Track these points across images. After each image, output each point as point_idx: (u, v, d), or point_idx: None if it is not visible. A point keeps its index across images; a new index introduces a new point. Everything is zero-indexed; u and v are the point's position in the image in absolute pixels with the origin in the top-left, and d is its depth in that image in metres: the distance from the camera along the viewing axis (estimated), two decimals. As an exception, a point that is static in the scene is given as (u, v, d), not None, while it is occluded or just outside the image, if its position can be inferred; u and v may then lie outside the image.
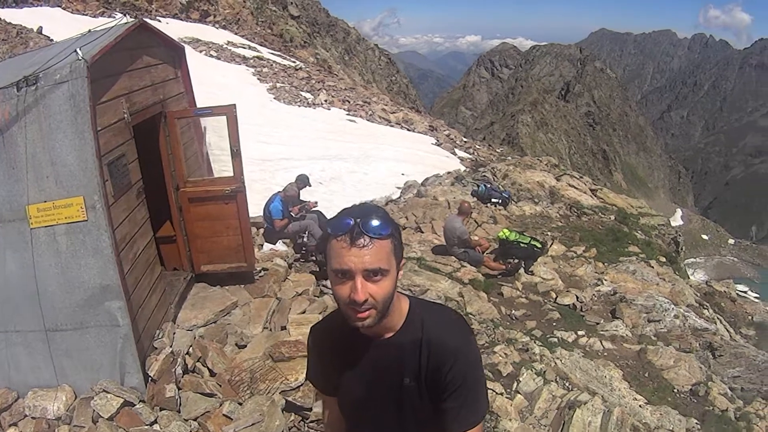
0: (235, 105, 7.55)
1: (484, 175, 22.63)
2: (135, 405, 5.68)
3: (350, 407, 2.51)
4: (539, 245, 13.46)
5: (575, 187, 23.38)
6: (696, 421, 8.91)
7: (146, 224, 6.65)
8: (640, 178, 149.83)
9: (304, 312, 8.14)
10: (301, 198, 12.23)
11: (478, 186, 19.36)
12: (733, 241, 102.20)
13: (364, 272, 2.03)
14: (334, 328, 2.39)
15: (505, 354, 8.92)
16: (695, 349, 11.53)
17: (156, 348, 6.33)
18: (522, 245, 13.06)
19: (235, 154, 7.56)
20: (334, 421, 2.68)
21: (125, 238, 5.85)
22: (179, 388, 6.00)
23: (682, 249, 23.35)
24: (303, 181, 12.57)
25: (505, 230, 13.61)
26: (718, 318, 15.07)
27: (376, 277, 2.05)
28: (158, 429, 5.63)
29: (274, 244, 10.97)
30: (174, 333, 6.74)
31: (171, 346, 6.38)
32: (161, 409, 5.83)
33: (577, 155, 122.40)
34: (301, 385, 6.32)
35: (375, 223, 2.04)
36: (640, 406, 8.89)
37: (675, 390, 9.87)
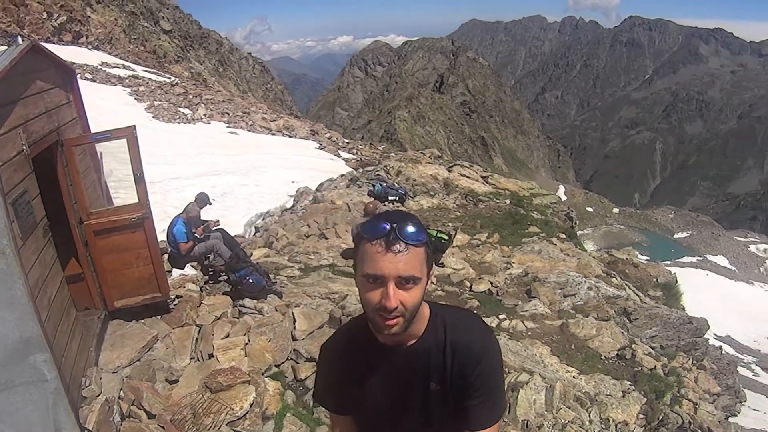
0: (134, 126, 7.15)
1: (378, 174, 22.76)
2: None
3: (375, 419, 2.44)
4: (445, 237, 13.42)
5: (467, 176, 23.86)
6: (629, 382, 9.36)
7: (56, 264, 6.13)
8: (521, 160, 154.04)
9: (227, 336, 7.90)
10: (201, 218, 11.88)
11: (374, 185, 19.45)
12: (618, 210, 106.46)
13: (397, 279, 1.99)
14: (352, 341, 2.36)
15: None
16: (612, 316, 12.01)
17: (86, 397, 5.85)
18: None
19: (139, 179, 7.16)
20: None
21: (38, 283, 5.32)
22: (121, 438, 5.59)
23: (576, 224, 24.18)
24: (203, 200, 12.17)
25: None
26: (626, 284, 15.72)
27: (408, 285, 2.01)
28: (106, 485, 5.20)
29: (183, 268, 10.55)
30: (101, 378, 6.26)
31: (102, 393, 5.95)
32: None
33: (456, 144, 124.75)
34: (247, 412, 6.09)
35: (411, 229, 2.01)
36: (574, 377, 9.16)
37: (603, 357, 10.28)
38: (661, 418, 8.87)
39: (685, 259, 64.53)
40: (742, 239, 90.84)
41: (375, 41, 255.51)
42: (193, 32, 79.13)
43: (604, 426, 8.17)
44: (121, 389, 6.23)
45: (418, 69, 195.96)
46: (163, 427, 5.91)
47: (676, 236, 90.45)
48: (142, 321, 7.75)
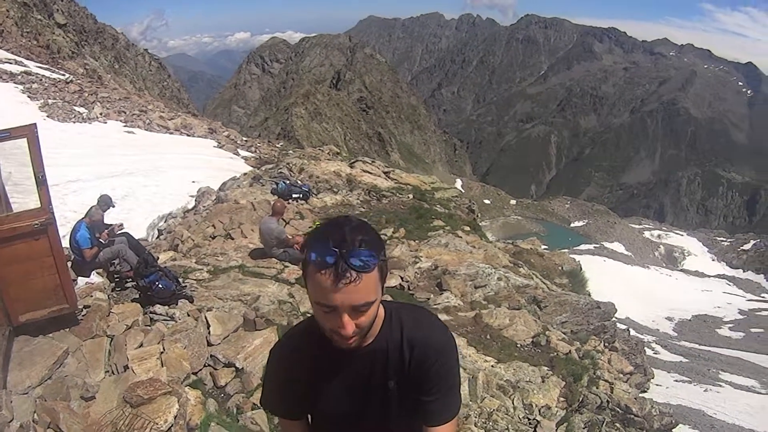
0: (35, 124, 6.71)
1: (281, 172, 22.63)
2: None
3: (333, 421, 2.42)
4: None
5: (369, 172, 23.94)
6: (547, 368, 9.65)
7: None
8: (417, 155, 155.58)
9: (141, 345, 7.62)
10: (105, 221, 11.46)
11: (277, 184, 19.41)
12: (515, 201, 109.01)
13: (351, 308, 1.95)
14: (305, 347, 2.31)
15: None
16: (523, 305, 12.33)
17: None
18: None
19: (41, 181, 6.70)
20: None
21: None
22: (40, 465, 5.24)
23: (478, 216, 24.64)
24: (106, 202, 11.72)
25: (317, 223, 13.74)
26: (533, 273, 16.15)
27: (363, 308, 1.97)
28: None
29: (88, 276, 10.13)
30: (11, 402, 5.83)
31: (14, 419, 5.58)
32: None
33: (353, 141, 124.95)
34: (172, 425, 5.90)
35: (362, 256, 1.90)
36: (492, 366, 9.33)
37: (518, 345, 10.56)
38: (581, 399, 9.20)
39: (583, 247, 66.47)
40: (637, 226, 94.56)
41: (272, 38, 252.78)
42: (89, 26, 76.23)
43: (528, 411, 8.37)
44: (34, 412, 5.87)
45: (315, 66, 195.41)
46: (86, 449, 5.62)
47: (573, 225, 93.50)
48: (50, 335, 7.32)
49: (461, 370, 8.43)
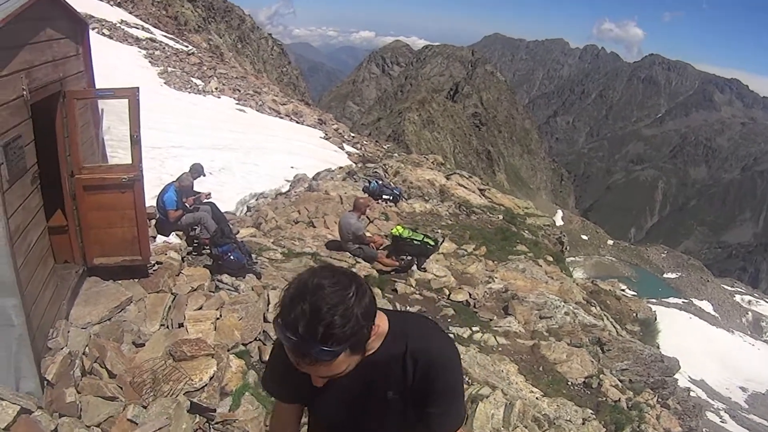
0: (138, 88, 7.10)
1: (376, 172, 22.69)
2: (33, 412, 5.17)
3: (330, 427, 2.49)
4: (432, 243, 13.51)
5: (464, 186, 23.78)
6: (591, 411, 9.35)
7: (40, 213, 6.11)
8: (523, 179, 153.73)
9: (200, 308, 7.86)
10: (194, 189, 11.88)
11: (370, 182, 19.41)
12: (612, 242, 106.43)
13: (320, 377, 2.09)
14: None
15: None
16: (585, 344, 12.00)
17: (50, 348, 5.84)
18: (415, 242, 13.07)
19: (135, 141, 7.12)
20: (282, 428, 2.66)
21: (19, 229, 5.30)
22: (78, 392, 5.59)
23: (566, 249, 24.20)
24: (197, 170, 12.19)
25: (399, 227, 13.55)
26: (605, 315, 15.69)
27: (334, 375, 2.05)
28: (60, 438, 5.18)
29: (167, 236, 10.55)
30: (68, 332, 6.25)
31: (67, 347, 5.94)
32: (61, 416, 5.38)
33: (461, 155, 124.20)
34: (206, 385, 6.11)
35: (320, 353, 1.89)
36: (537, 398, 9.18)
37: (569, 383, 10.30)
38: None
39: (671, 300, 64.65)
40: (729, 288, 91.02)
41: (396, 41, 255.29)
42: (218, 4, 78.63)
43: None
44: (86, 345, 6.23)
45: (435, 74, 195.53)
46: (121, 388, 5.92)
47: (665, 276, 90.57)
48: (119, 281, 7.70)
49: (501, 393, 8.44)
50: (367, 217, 15.03)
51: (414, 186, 21.80)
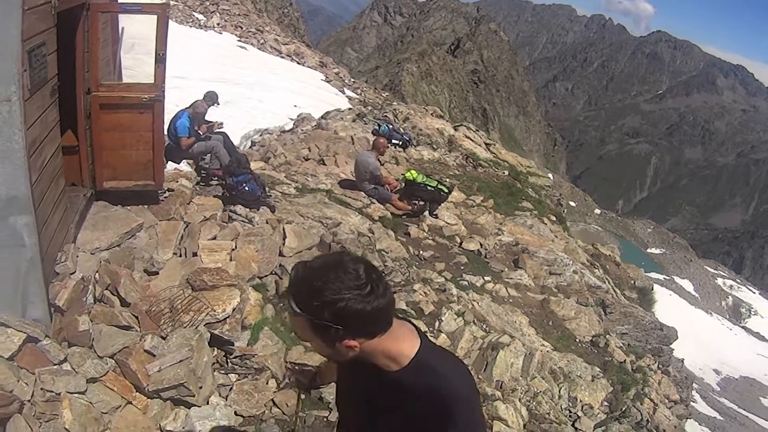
0: (168, 4, 6.73)
1: (386, 116, 22.72)
2: (40, 341, 4.74)
3: (338, 408, 2.77)
4: (445, 189, 13.50)
5: (471, 139, 23.84)
6: (599, 369, 9.46)
7: (56, 129, 5.62)
8: (516, 140, 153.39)
9: (214, 238, 7.57)
10: (206, 118, 11.53)
11: (380, 125, 19.23)
12: (600, 211, 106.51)
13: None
14: None
15: (425, 293, 9.06)
16: (591, 304, 12.07)
17: (58, 273, 5.39)
18: (429, 188, 13.01)
19: (161, 59, 6.74)
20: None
21: (35, 142, 4.82)
22: (90, 321, 5.19)
23: (564, 211, 24.19)
24: (212, 98, 11.86)
25: (413, 171, 13.49)
26: (606, 278, 15.78)
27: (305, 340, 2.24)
28: (69, 369, 4.79)
29: (179, 163, 10.29)
30: (77, 257, 5.76)
31: (77, 271, 5.50)
32: (71, 345, 5.00)
33: (457, 110, 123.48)
34: (228, 317, 5.81)
35: (294, 299, 2.08)
36: (548, 351, 9.31)
37: (577, 339, 10.39)
38: (623, 409, 8.97)
39: (653, 275, 64.64)
40: (712, 270, 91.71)
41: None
42: (220, -62, 77.19)
43: (571, 404, 8.25)
44: (96, 272, 5.80)
45: (437, 28, 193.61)
46: (136, 317, 5.52)
47: (649, 250, 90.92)
48: (128, 207, 7.27)
49: (520, 343, 8.38)
50: (380, 158, 14.81)
51: (423, 133, 21.68)
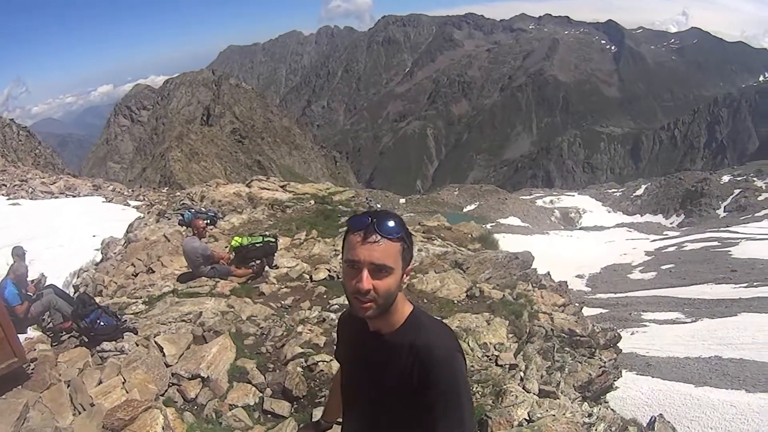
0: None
1: (183, 203, 22.63)
2: None
3: (342, 386, 2.96)
4: (272, 239, 13.87)
5: (267, 188, 24.29)
6: (488, 313, 10.34)
7: None
8: (299, 175, 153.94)
9: (100, 382, 7.42)
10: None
11: (183, 214, 19.48)
12: (404, 199, 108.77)
13: (371, 266, 2.32)
14: (348, 319, 2.86)
15: (310, 330, 9.42)
16: (448, 269, 13.00)
17: None
18: (258, 245, 13.40)
19: None
20: (336, 384, 3.15)
21: None
22: None
23: (379, 209, 25.16)
24: (21, 252, 11.65)
25: (237, 238, 13.82)
26: (447, 243, 16.74)
27: (381, 273, 2.34)
28: None
29: (25, 332, 9.97)
30: None
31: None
32: None
33: (234, 173, 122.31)
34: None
35: (389, 224, 2.36)
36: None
37: (455, 301, 11.18)
38: (528, 332, 9.82)
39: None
40: (528, 197, 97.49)
41: (136, 85, 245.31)
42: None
43: (485, 350, 8.80)
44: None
45: (183, 105, 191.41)
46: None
47: (465, 210, 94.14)
48: (3, 397, 6.88)
49: None
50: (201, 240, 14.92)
51: (223, 203, 22.01)
